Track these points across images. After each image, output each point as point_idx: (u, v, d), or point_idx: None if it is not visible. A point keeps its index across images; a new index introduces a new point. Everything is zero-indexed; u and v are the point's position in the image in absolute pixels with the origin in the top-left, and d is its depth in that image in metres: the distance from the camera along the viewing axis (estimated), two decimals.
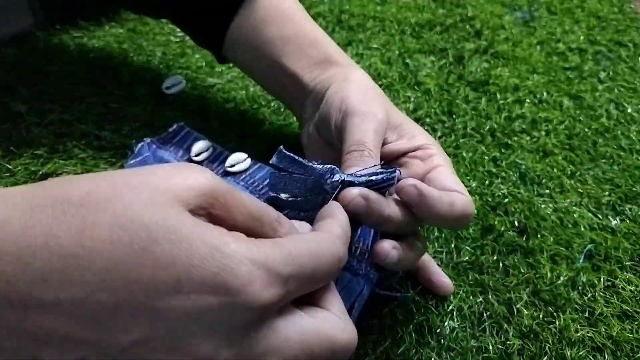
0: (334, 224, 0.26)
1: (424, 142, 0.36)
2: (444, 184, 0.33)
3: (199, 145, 0.44)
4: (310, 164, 0.32)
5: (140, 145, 0.45)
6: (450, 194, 0.31)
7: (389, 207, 0.30)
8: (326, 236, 0.24)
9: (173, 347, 0.19)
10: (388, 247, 0.30)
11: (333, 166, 0.31)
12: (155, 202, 0.19)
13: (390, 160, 0.36)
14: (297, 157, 0.32)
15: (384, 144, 0.36)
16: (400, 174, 0.30)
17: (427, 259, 0.38)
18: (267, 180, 0.38)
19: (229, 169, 0.42)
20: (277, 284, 0.20)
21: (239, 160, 0.43)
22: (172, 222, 0.19)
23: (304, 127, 0.42)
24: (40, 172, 0.44)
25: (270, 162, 0.33)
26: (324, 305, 0.24)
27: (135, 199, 0.19)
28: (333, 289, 0.25)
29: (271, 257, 0.20)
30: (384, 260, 0.30)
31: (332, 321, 0.23)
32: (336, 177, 0.30)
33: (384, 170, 0.30)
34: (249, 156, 0.44)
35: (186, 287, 0.19)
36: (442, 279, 0.37)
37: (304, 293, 0.23)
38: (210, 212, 0.21)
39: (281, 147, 0.33)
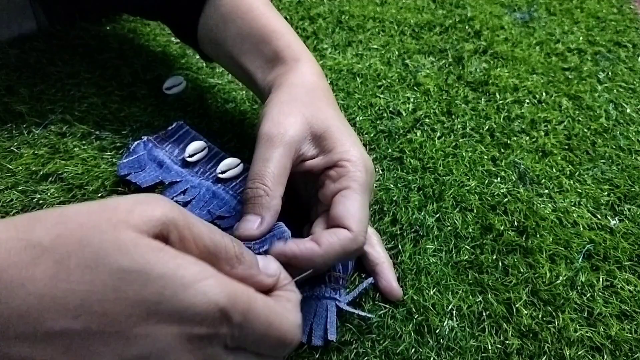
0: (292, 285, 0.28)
1: (339, 159, 0.35)
2: (337, 213, 0.33)
3: (194, 146, 0.44)
4: None
5: (136, 143, 0.45)
6: (328, 235, 0.31)
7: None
8: (288, 305, 0.27)
9: None
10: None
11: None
12: (122, 243, 0.21)
13: (309, 177, 0.36)
14: None
15: (303, 159, 0.36)
16: (287, 235, 0.33)
17: (380, 262, 0.37)
18: None
19: (220, 175, 0.42)
20: (239, 328, 0.23)
21: (230, 165, 0.42)
22: (140, 263, 0.21)
23: None
24: (41, 172, 0.44)
25: None
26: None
27: (104, 242, 0.21)
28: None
29: (236, 299, 0.23)
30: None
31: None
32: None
33: (273, 232, 0.33)
34: (243, 161, 0.43)
35: (154, 318, 0.21)
36: (392, 284, 0.37)
37: (249, 344, 0.24)
38: (168, 240, 0.23)
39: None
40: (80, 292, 0.20)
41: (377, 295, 0.37)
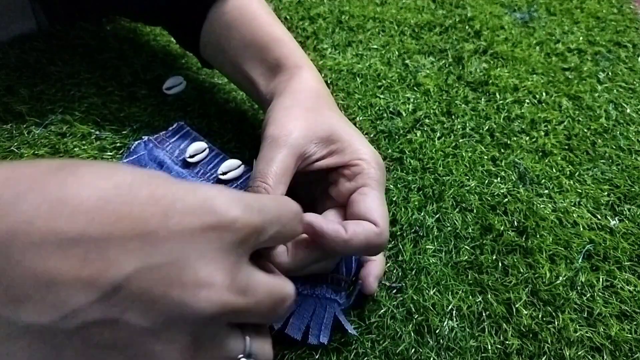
0: None
1: (351, 158, 0.35)
2: (360, 209, 0.33)
3: (195, 146, 0.44)
4: None
5: (136, 143, 0.45)
6: (355, 225, 0.31)
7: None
8: (282, 199, 0.27)
9: (170, 276, 0.19)
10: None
11: None
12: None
13: (321, 176, 0.36)
14: None
15: (310, 161, 0.36)
16: None
17: (374, 261, 0.37)
18: None
19: (221, 177, 0.42)
20: (253, 211, 0.22)
21: (231, 167, 0.43)
22: (153, 172, 0.21)
23: None
24: None
25: None
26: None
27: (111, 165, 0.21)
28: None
29: (243, 194, 0.22)
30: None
31: (282, 279, 0.25)
32: None
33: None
34: (244, 162, 0.43)
35: (174, 216, 0.19)
36: (369, 278, 0.36)
37: (273, 241, 0.25)
38: None
39: None
40: (94, 194, 0.19)
41: (376, 296, 0.37)
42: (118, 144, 0.47)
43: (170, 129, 0.47)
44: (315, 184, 0.38)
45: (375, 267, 0.37)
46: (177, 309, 0.19)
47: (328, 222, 0.31)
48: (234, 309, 0.21)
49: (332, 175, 0.36)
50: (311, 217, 0.31)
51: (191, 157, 0.44)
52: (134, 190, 0.19)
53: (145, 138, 0.46)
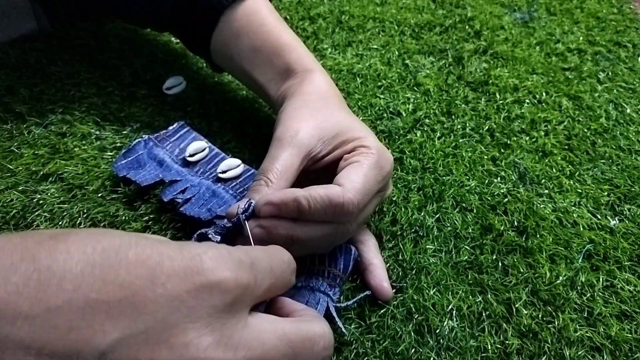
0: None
1: (354, 146, 0.36)
2: (338, 176, 0.33)
3: (195, 146, 0.44)
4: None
5: (136, 141, 0.45)
6: (318, 187, 0.32)
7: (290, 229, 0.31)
8: (273, 249, 0.27)
9: (156, 340, 0.19)
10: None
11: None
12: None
13: (327, 174, 0.37)
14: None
15: (317, 158, 0.36)
16: (251, 206, 0.32)
17: (374, 262, 0.37)
18: None
19: (220, 175, 0.42)
20: (244, 268, 0.22)
21: (231, 166, 0.43)
22: (141, 235, 0.21)
23: None
24: (42, 172, 0.44)
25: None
26: (297, 315, 0.27)
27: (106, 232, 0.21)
28: (302, 305, 0.28)
29: (232, 250, 0.22)
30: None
31: (305, 319, 0.25)
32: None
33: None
34: (244, 161, 0.44)
35: (161, 278, 0.19)
36: (382, 283, 0.36)
37: (268, 293, 0.24)
38: None
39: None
40: (81, 262, 0.19)
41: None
42: (118, 144, 0.47)
43: (171, 128, 0.47)
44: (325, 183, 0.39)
45: (380, 270, 0.37)
46: None
47: (285, 191, 0.32)
48: None
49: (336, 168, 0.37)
50: (265, 198, 0.32)
51: (191, 156, 0.44)
52: (121, 254, 0.19)
53: (146, 137, 0.46)
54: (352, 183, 0.32)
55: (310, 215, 0.31)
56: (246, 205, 0.32)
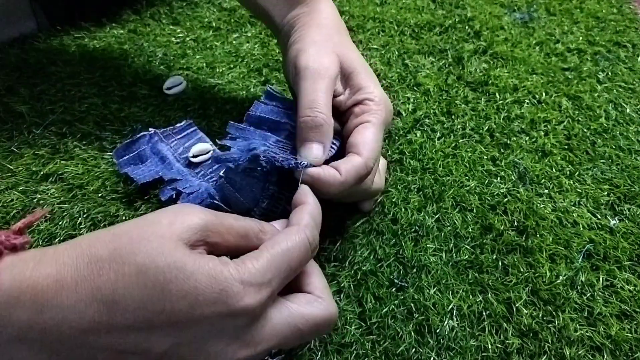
0: (303, 213, 0.31)
1: (364, 98, 0.38)
2: (354, 140, 0.36)
3: (200, 147, 0.44)
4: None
5: (140, 134, 0.45)
6: (344, 164, 0.34)
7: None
8: (294, 230, 0.29)
9: (196, 349, 0.26)
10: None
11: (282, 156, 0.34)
12: (165, 248, 0.25)
13: (335, 112, 0.39)
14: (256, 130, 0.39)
15: (334, 95, 0.38)
16: (306, 165, 0.34)
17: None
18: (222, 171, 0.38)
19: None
20: (263, 288, 0.26)
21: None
22: (179, 263, 0.25)
23: (283, 60, 0.44)
24: (42, 173, 0.44)
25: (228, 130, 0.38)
26: (307, 289, 0.30)
27: (150, 250, 0.25)
28: (313, 273, 0.31)
29: (253, 271, 0.26)
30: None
31: (313, 304, 0.29)
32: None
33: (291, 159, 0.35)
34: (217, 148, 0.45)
35: (197, 308, 0.25)
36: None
37: (286, 283, 0.28)
38: (207, 242, 0.28)
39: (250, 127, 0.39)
40: (137, 295, 0.24)
41: (378, 294, 0.37)
42: (118, 144, 0.47)
43: (179, 125, 0.47)
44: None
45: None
46: None
47: (324, 168, 0.34)
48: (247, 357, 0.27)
49: (346, 115, 0.39)
50: (312, 170, 0.34)
51: (194, 157, 0.44)
52: (167, 288, 0.25)
53: (152, 130, 0.45)
54: (369, 149, 0.35)
55: (341, 189, 0.34)
56: (302, 165, 0.34)
